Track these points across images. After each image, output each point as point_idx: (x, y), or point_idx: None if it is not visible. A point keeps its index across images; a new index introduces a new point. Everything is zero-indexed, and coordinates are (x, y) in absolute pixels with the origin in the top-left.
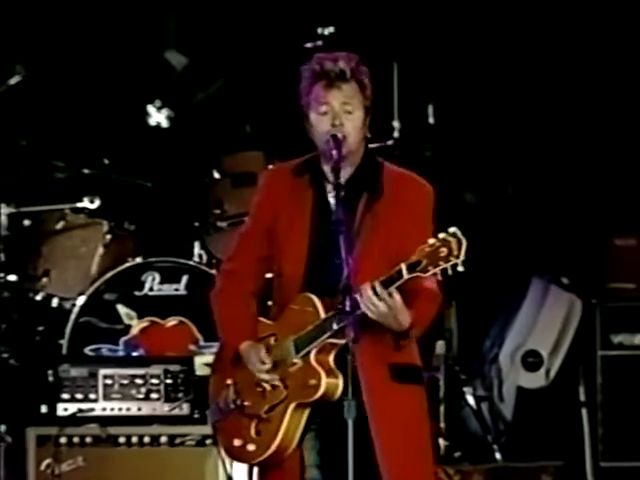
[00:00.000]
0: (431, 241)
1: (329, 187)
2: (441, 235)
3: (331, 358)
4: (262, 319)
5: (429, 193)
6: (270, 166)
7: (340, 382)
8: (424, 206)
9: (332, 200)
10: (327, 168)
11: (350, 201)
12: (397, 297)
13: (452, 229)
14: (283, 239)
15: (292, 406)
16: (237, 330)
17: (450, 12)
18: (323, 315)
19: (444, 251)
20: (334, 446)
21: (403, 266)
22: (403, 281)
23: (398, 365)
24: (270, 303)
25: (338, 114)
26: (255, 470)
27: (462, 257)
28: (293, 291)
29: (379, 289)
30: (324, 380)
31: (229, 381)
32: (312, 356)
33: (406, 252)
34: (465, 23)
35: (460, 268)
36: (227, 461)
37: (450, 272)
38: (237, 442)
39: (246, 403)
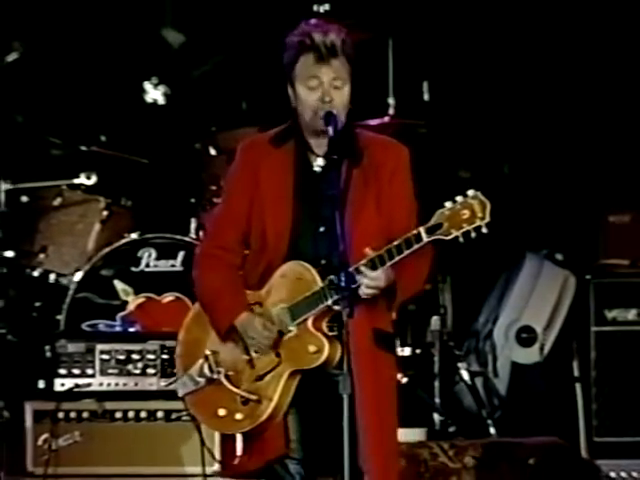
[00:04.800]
0: (449, 204)
1: (312, 157)
2: (459, 198)
3: (324, 325)
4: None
5: (407, 154)
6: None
7: (339, 348)
8: (405, 168)
9: (317, 169)
10: (312, 141)
11: (337, 171)
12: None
13: (471, 191)
14: (265, 210)
15: (286, 373)
16: (234, 304)
17: None
18: (320, 284)
19: (466, 213)
20: (315, 420)
21: (422, 229)
22: (422, 244)
23: (380, 331)
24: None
25: (328, 91)
26: (239, 438)
27: (487, 219)
28: (276, 261)
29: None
30: (327, 346)
31: (207, 352)
32: (310, 323)
33: (396, 216)
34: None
35: (484, 230)
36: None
37: (473, 235)
38: (222, 412)
39: (230, 373)
